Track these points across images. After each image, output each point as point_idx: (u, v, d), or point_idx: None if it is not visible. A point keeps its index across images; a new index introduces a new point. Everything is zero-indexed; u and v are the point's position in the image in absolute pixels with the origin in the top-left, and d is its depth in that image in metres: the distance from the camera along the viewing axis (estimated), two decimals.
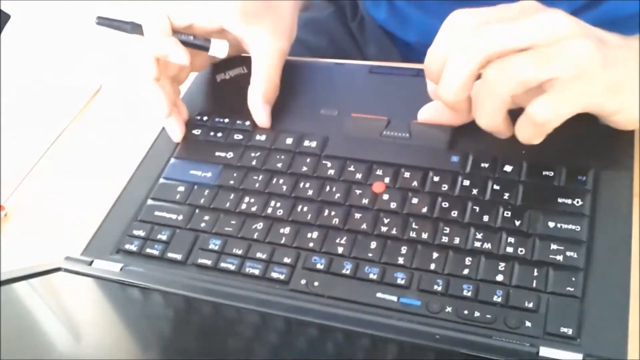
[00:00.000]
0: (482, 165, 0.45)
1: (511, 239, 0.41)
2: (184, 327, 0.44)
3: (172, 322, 0.45)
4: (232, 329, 0.43)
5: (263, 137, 0.51)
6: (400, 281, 0.41)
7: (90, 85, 0.68)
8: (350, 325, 0.40)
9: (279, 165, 0.49)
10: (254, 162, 0.49)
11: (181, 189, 0.49)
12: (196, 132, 0.53)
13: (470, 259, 0.41)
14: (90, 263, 0.47)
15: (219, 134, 0.52)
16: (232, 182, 0.49)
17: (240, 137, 0.52)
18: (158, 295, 0.44)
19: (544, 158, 0.45)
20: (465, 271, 0.41)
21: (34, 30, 0.78)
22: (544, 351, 0.37)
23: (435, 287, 0.40)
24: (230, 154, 0.51)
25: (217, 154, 0.51)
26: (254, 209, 0.47)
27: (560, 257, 0.40)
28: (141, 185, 0.52)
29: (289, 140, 0.50)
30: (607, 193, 0.44)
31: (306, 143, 0.49)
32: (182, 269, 0.45)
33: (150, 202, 0.50)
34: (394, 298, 0.41)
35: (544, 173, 0.44)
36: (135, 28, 0.52)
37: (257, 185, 0.48)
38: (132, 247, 0.47)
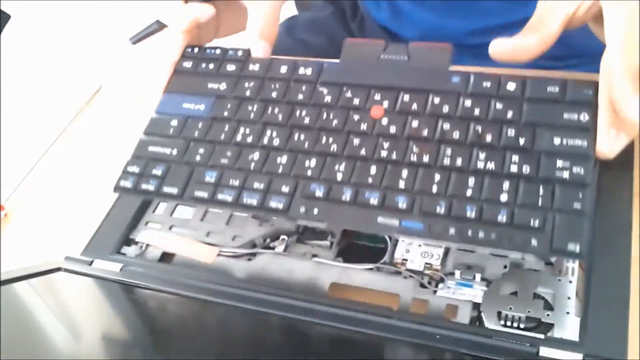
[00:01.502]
0: (484, 84, 0.43)
1: (515, 157, 0.40)
2: (183, 327, 0.44)
3: (171, 322, 0.45)
4: (232, 329, 0.43)
5: (257, 67, 0.49)
6: (401, 205, 0.40)
7: (90, 85, 0.68)
8: (351, 325, 0.40)
9: (274, 94, 0.47)
10: (247, 93, 0.48)
11: (174, 122, 0.48)
12: (187, 64, 0.51)
13: (474, 179, 0.40)
14: (90, 263, 0.47)
15: (211, 66, 0.50)
16: (226, 113, 0.47)
17: (233, 67, 0.49)
18: (158, 295, 0.44)
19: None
20: (469, 192, 0.39)
21: (34, 30, 0.78)
22: (544, 351, 0.37)
23: (438, 209, 0.39)
24: (223, 85, 0.49)
25: (209, 85, 0.49)
26: (249, 139, 0.45)
27: (566, 174, 0.39)
28: None
29: (284, 69, 0.48)
30: (607, 192, 0.44)
31: (301, 70, 0.47)
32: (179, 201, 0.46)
33: (143, 137, 0.48)
34: (396, 222, 0.40)
35: (548, 89, 0.42)
36: (160, 24, 0.54)
37: (252, 115, 0.47)
38: (127, 184, 0.46)
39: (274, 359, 0.39)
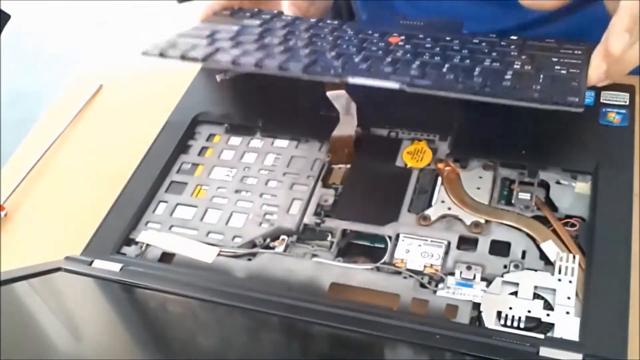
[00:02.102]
0: (491, 35, 0.47)
1: (518, 63, 0.44)
2: (183, 327, 0.44)
3: (172, 322, 0.45)
4: (232, 329, 0.43)
5: (289, 17, 0.53)
6: (413, 72, 0.44)
7: (90, 85, 0.68)
8: (351, 325, 0.40)
9: (302, 27, 0.51)
10: (277, 25, 0.52)
11: (207, 32, 0.51)
12: (226, 12, 0.55)
13: (479, 69, 0.43)
14: (90, 263, 0.47)
15: (247, 14, 0.55)
16: (255, 31, 0.51)
17: (267, 16, 0.54)
18: (158, 295, 0.44)
19: (543, 157, 0.45)
20: (476, 72, 0.43)
21: (34, 30, 0.78)
22: (544, 351, 0.37)
23: (447, 76, 0.43)
24: (256, 21, 0.53)
25: (244, 22, 0.53)
26: (275, 40, 0.49)
27: (563, 71, 0.42)
28: (141, 184, 0.52)
29: (312, 19, 0.52)
30: (607, 193, 0.44)
31: (328, 21, 0.52)
32: None
33: (175, 35, 0.51)
34: (407, 78, 0.43)
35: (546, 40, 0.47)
36: None
37: (280, 31, 0.50)
38: (155, 50, 0.49)
39: (273, 359, 0.39)
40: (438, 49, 0.46)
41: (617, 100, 0.50)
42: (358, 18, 0.75)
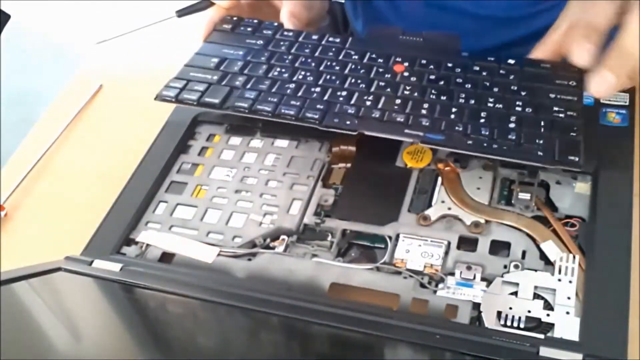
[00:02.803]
0: (489, 59, 0.50)
1: (519, 103, 0.47)
2: (184, 327, 0.44)
3: (172, 322, 0.45)
4: (232, 329, 0.43)
5: (290, 33, 0.55)
6: (425, 123, 0.46)
7: (90, 85, 0.68)
8: (351, 325, 0.40)
9: (307, 50, 0.53)
10: (282, 48, 0.54)
11: (214, 60, 0.53)
12: (226, 25, 0.57)
13: (485, 113, 0.46)
14: (90, 263, 0.47)
15: (249, 29, 0.56)
16: (262, 58, 0.53)
17: (269, 31, 0.56)
18: (158, 295, 0.44)
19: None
20: (482, 119, 0.46)
21: (34, 30, 0.78)
22: (543, 351, 0.37)
23: (457, 127, 0.46)
24: (260, 42, 0.55)
25: (247, 40, 0.55)
26: (285, 75, 0.51)
27: (562, 115, 0.46)
28: (141, 184, 0.52)
29: (315, 36, 0.54)
30: (607, 193, 0.44)
31: (330, 39, 0.54)
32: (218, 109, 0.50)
33: (185, 67, 0.53)
34: (420, 133, 0.45)
35: (541, 65, 0.49)
36: (207, 2, 0.58)
37: (286, 61, 0.52)
38: (170, 94, 0.51)
39: (274, 359, 0.39)
40: (442, 82, 0.49)
41: (617, 101, 0.50)
42: (351, 24, 0.75)
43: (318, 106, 0.48)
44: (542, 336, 0.39)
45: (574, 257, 0.42)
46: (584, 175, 0.47)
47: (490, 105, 0.47)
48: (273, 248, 0.47)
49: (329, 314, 0.41)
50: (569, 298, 0.40)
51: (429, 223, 0.47)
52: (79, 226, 0.51)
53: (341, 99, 0.49)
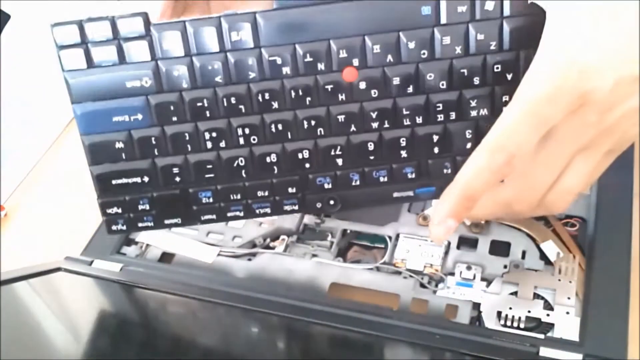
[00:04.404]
0: (460, 10, 0.36)
1: (506, 97, 0.37)
2: (184, 327, 0.44)
3: (172, 322, 0.45)
4: (232, 329, 0.43)
5: (173, 40, 0.37)
6: (410, 175, 0.39)
7: None
8: (351, 325, 0.40)
9: (218, 79, 0.37)
10: (183, 83, 0.37)
11: (119, 144, 0.39)
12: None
13: (471, 130, 0.38)
14: (90, 263, 0.47)
15: (112, 55, 0.38)
16: (174, 117, 0.38)
17: (144, 48, 0.38)
18: (158, 295, 0.44)
19: None
20: (468, 145, 0.38)
21: (34, 30, 0.78)
22: (543, 351, 0.37)
23: (445, 170, 0.38)
24: (145, 81, 0.38)
25: (128, 84, 0.38)
26: (222, 144, 0.39)
27: None
28: None
29: (210, 37, 0.37)
30: (607, 193, 0.44)
31: (234, 36, 0.37)
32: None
33: (94, 169, 0.40)
34: (410, 192, 0.39)
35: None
36: None
37: (207, 113, 0.38)
38: (121, 227, 0.40)
39: (274, 359, 0.39)
40: (412, 87, 0.37)
41: None
42: None
43: (290, 190, 0.39)
44: (542, 336, 0.39)
45: (574, 257, 0.42)
46: None
47: (474, 113, 0.37)
48: (273, 248, 0.47)
49: (329, 314, 0.41)
50: (569, 298, 0.40)
51: (428, 223, 0.46)
52: (79, 226, 0.51)
53: (307, 164, 0.39)
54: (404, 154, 0.39)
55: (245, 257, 0.47)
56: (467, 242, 0.45)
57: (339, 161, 0.39)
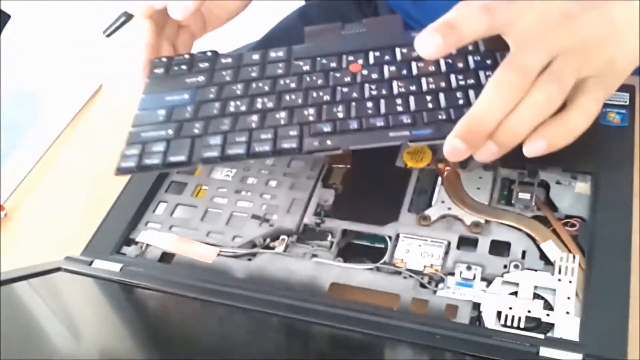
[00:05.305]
0: None
1: (489, 72, 0.42)
2: (184, 327, 0.44)
3: (172, 322, 0.45)
4: (232, 329, 0.43)
5: (229, 59, 0.49)
6: (406, 121, 0.42)
7: (90, 85, 0.68)
8: (351, 325, 0.40)
9: (253, 74, 0.48)
10: (227, 78, 0.48)
11: (161, 112, 0.47)
12: (158, 70, 0.50)
13: (460, 93, 0.42)
14: (90, 263, 0.47)
15: (183, 67, 0.50)
16: (211, 95, 0.47)
17: (206, 64, 0.50)
18: (158, 295, 0.44)
19: (544, 162, 0.45)
20: (460, 102, 0.42)
21: (34, 30, 0.78)
22: (543, 351, 0.37)
23: (439, 117, 0.42)
24: (200, 78, 0.49)
25: (187, 80, 0.49)
26: (242, 108, 0.46)
27: None
28: (141, 184, 0.52)
29: (255, 56, 0.49)
30: (607, 193, 0.44)
31: (272, 54, 0.49)
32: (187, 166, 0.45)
33: (132, 129, 0.47)
34: (407, 132, 0.42)
35: None
36: (128, 15, 0.56)
37: (238, 92, 0.47)
38: (130, 163, 0.45)
39: (274, 359, 0.39)
40: (405, 71, 0.45)
41: (617, 100, 0.50)
42: (379, 2, 0.74)
43: (291, 132, 0.43)
44: (542, 336, 0.39)
45: (574, 257, 0.42)
46: (584, 175, 0.47)
47: (462, 82, 0.43)
48: (273, 248, 0.47)
49: (329, 314, 0.41)
50: (569, 298, 0.40)
51: (429, 223, 0.47)
52: (79, 226, 0.51)
53: (311, 117, 0.44)
54: (399, 108, 0.43)
55: (245, 257, 0.47)
56: (467, 242, 0.45)
57: (340, 114, 0.44)
